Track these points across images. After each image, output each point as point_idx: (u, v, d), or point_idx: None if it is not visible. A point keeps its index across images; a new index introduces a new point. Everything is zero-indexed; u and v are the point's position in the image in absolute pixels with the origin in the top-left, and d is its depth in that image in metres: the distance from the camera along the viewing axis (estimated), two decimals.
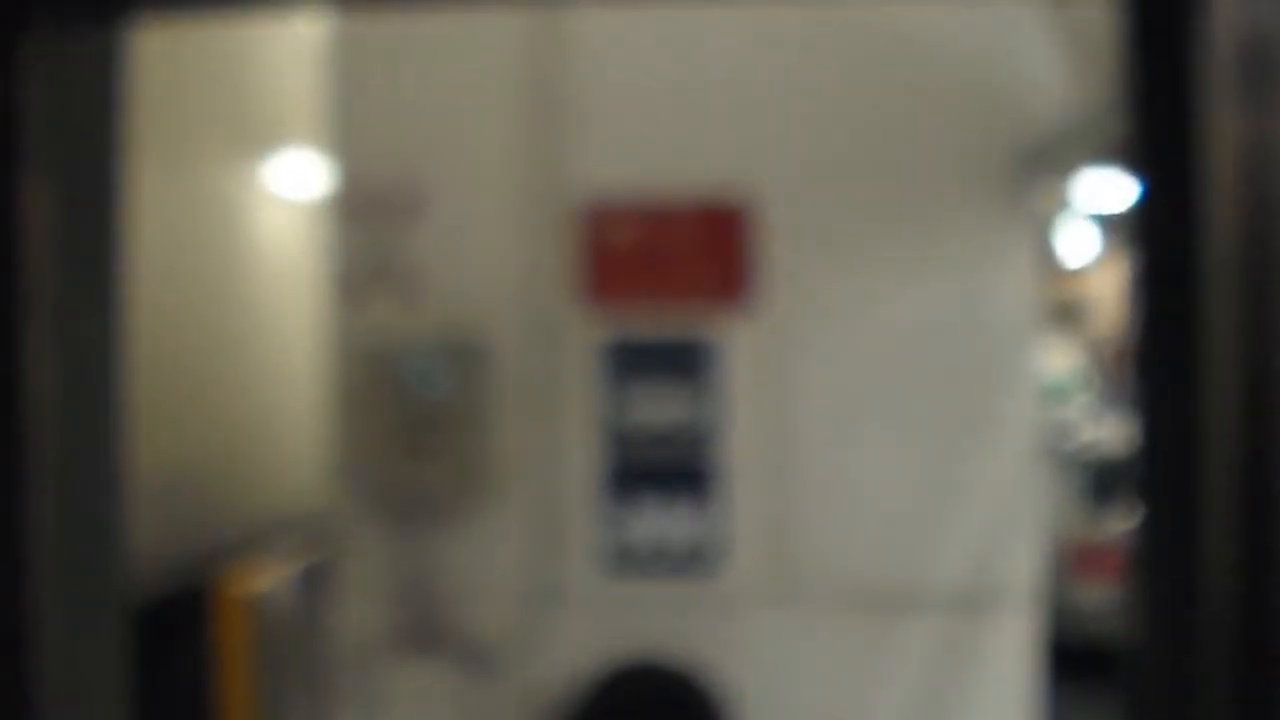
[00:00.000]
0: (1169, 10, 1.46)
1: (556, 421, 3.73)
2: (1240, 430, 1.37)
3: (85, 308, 1.54)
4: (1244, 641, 1.36)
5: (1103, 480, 8.94)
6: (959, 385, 3.65)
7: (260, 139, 5.05)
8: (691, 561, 3.70)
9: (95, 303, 1.56)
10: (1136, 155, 1.53)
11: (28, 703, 1.47)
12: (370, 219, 3.75)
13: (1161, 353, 1.48)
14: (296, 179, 5.13)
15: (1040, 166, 3.71)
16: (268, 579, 4.38)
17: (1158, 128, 1.49)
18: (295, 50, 4.74)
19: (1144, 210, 1.52)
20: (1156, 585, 1.51)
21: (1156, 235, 1.51)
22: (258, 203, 5.02)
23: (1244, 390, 1.36)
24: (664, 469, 3.69)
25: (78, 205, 1.52)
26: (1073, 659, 6.24)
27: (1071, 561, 8.64)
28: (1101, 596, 8.44)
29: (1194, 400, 1.42)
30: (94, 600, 1.57)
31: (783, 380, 3.68)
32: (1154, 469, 1.52)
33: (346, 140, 3.80)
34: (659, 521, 3.69)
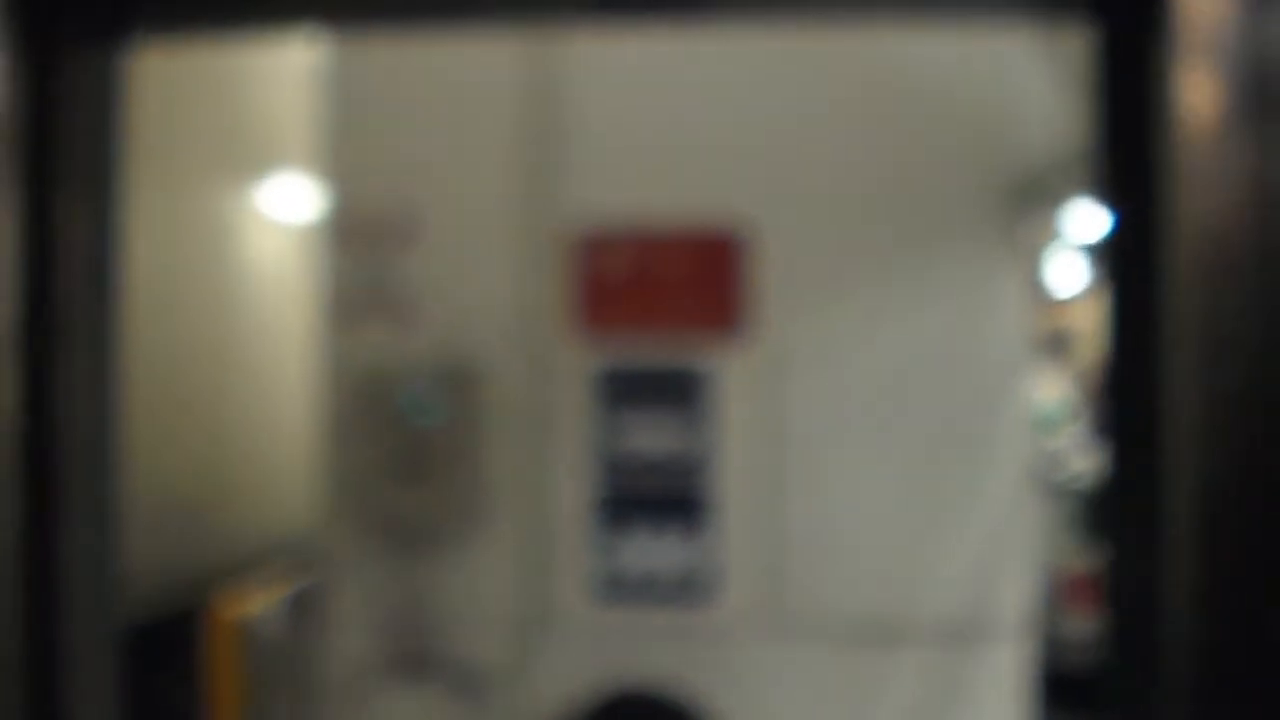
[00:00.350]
0: (1136, 51, 1.48)
1: (549, 449, 3.72)
2: (1203, 454, 1.39)
3: (85, 331, 1.55)
4: (1204, 663, 1.38)
5: (1091, 511, 8.93)
6: (952, 416, 3.65)
7: (255, 162, 5.05)
8: (682, 590, 3.69)
9: (96, 325, 1.57)
10: (1104, 190, 1.56)
11: None
12: (364, 244, 3.75)
13: (1128, 381, 1.50)
14: (291, 202, 5.14)
15: (1032, 197, 3.72)
16: (258, 603, 4.37)
17: (1124, 164, 1.51)
18: (291, 74, 4.75)
19: (1111, 242, 1.55)
20: (1121, 606, 1.53)
21: (1123, 265, 1.53)
22: (252, 226, 5.02)
23: (1206, 418, 1.38)
24: (656, 497, 3.69)
25: (82, 227, 1.53)
26: (1063, 689, 6.23)
27: (1061, 592, 8.63)
28: (1091, 626, 8.42)
29: (1158, 430, 1.44)
30: (90, 622, 1.57)
31: (775, 410, 3.68)
32: (1120, 495, 1.54)
33: (342, 165, 3.80)
34: (650, 550, 3.69)
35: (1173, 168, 1.41)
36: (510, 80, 3.74)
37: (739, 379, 3.70)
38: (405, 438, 3.70)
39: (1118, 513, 1.54)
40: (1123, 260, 1.53)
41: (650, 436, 3.70)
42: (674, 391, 3.69)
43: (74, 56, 1.46)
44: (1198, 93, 1.38)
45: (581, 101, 3.73)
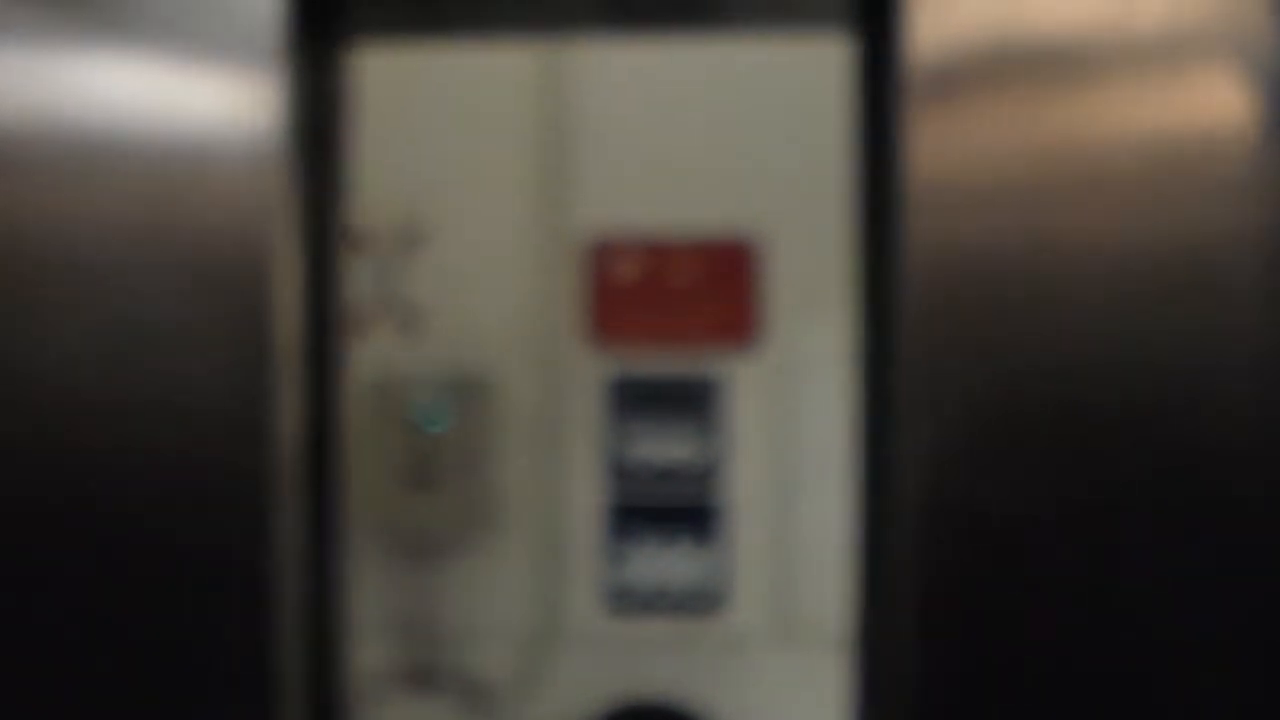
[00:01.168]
0: (878, 70, 1.49)
1: (559, 458, 3.71)
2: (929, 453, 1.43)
3: (320, 341, 1.57)
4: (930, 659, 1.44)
5: None
6: None
7: None
8: (694, 600, 3.68)
9: (326, 332, 1.57)
10: (853, 217, 1.59)
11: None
12: (373, 252, 3.74)
13: (868, 423, 1.55)
14: None
15: None
16: None
17: (868, 193, 1.55)
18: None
19: (856, 271, 1.59)
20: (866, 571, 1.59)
21: (865, 295, 1.58)
22: None
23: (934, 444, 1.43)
24: (668, 507, 3.68)
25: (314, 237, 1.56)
26: None
27: None
28: None
29: (891, 449, 1.47)
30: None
31: (788, 419, 3.67)
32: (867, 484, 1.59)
33: (351, 172, 3.80)
34: (662, 560, 3.67)
35: (905, 200, 1.42)
36: (522, 89, 3.73)
37: (752, 388, 3.69)
38: (415, 447, 3.69)
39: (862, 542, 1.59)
40: (864, 290, 1.57)
41: (662, 445, 3.69)
42: (686, 400, 3.68)
43: (334, 58, 1.47)
44: (932, 123, 1.39)
45: (595, 110, 3.72)
